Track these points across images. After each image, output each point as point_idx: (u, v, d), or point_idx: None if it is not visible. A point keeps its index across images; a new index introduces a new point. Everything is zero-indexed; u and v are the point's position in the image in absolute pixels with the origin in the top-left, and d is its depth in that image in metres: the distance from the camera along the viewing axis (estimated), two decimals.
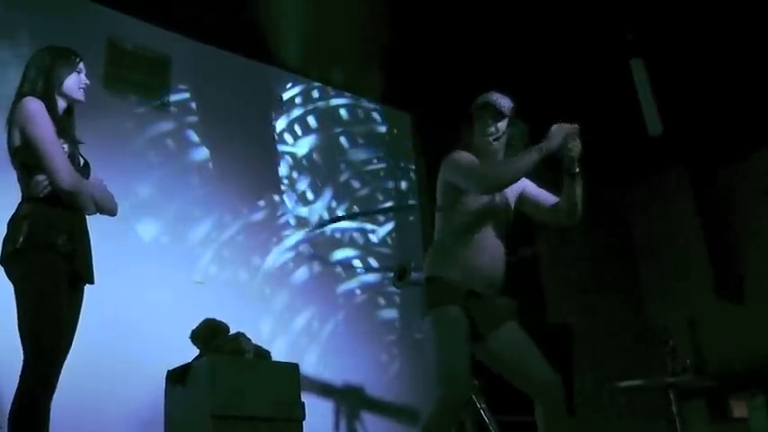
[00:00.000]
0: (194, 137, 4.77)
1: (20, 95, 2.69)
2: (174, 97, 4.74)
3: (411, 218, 5.68)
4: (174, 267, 4.32)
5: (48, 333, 2.46)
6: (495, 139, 3.03)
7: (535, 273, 6.34)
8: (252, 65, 5.19)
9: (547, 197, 3.12)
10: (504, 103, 3.07)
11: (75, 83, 2.81)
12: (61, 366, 2.51)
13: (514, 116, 3.10)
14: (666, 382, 4.30)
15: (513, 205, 3.06)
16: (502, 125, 3.05)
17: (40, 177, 2.58)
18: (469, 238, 2.90)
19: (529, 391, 2.81)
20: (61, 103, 2.77)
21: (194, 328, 3.83)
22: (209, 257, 4.54)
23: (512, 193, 3.07)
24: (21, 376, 2.41)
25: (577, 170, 2.97)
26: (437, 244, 3.01)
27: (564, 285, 6.53)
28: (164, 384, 3.74)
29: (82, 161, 2.78)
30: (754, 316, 6.24)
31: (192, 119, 4.80)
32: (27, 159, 2.60)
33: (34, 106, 2.60)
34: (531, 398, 2.81)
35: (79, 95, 2.83)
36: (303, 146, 5.34)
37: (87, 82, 2.87)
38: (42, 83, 2.71)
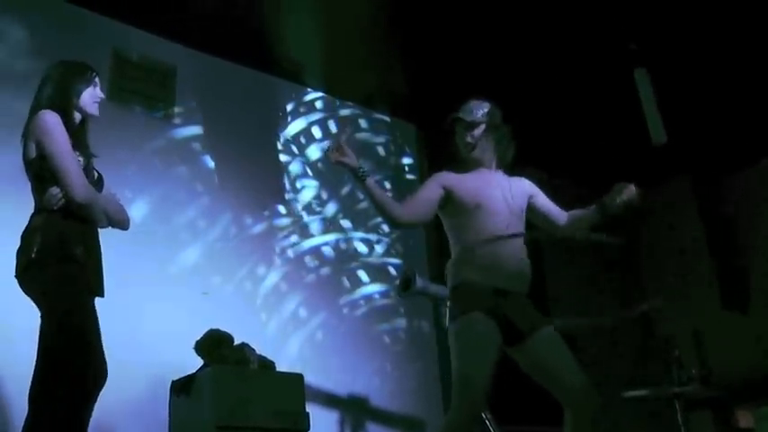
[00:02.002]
0: (199, 147, 4.78)
1: (36, 108, 2.70)
2: (178, 108, 4.76)
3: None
4: (178, 278, 4.32)
5: (76, 354, 2.42)
6: (472, 149, 3.07)
7: (538, 283, 6.32)
8: (256, 75, 5.20)
9: (556, 212, 3.15)
10: (477, 110, 3.09)
11: (90, 97, 2.83)
12: (97, 394, 2.46)
13: (494, 119, 3.10)
14: (672, 392, 4.30)
15: (521, 204, 3.07)
16: (477, 132, 3.08)
17: (55, 190, 2.57)
18: (486, 242, 2.90)
19: (560, 397, 2.80)
20: (76, 117, 2.79)
21: (198, 338, 3.83)
22: (214, 268, 4.54)
23: (519, 194, 3.07)
24: (40, 407, 2.34)
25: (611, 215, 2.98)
26: (456, 255, 3.01)
27: (568, 295, 6.51)
28: (168, 395, 3.73)
29: (96, 174, 2.80)
30: (759, 326, 6.22)
31: (197, 129, 4.81)
32: (42, 171, 2.61)
33: (51, 119, 2.61)
34: (562, 405, 2.80)
35: (94, 110, 2.85)
36: (307, 156, 5.35)
37: (102, 96, 2.89)
38: (59, 96, 2.73)
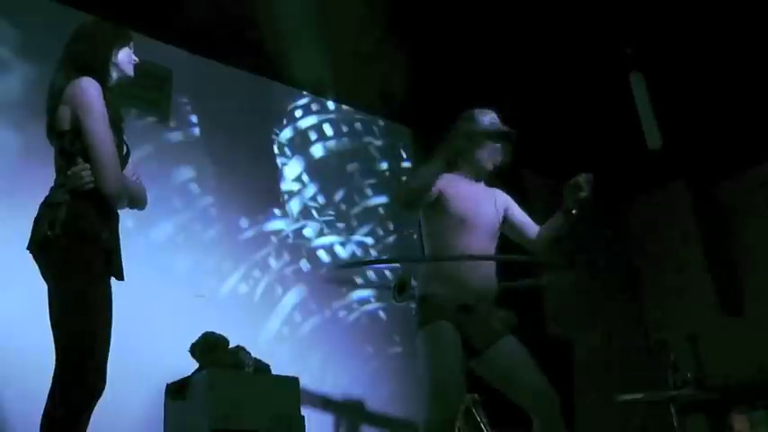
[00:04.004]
0: (194, 150, 4.78)
1: (73, 67, 2.53)
2: (174, 111, 4.75)
3: (412, 231, 5.68)
4: (174, 280, 4.32)
5: (90, 333, 2.30)
6: (470, 156, 3.09)
7: (534, 287, 6.32)
8: (252, 79, 5.21)
9: (529, 226, 3.16)
10: (480, 118, 3.11)
11: (128, 57, 2.70)
12: (101, 391, 2.33)
13: (493, 129, 3.10)
14: (667, 395, 4.30)
15: (499, 218, 3.07)
16: (478, 141, 3.08)
17: (86, 173, 2.40)
18: (455, 258, 2.91)
19: (524, 405, 2.81)
20: (112, 78, 2.64)
21: (194, 341, 3.82)
22: (210, 271, 4.54)
23: (498, 206, 3.08)
24: (57, 387, 2.25)
25: (574, 212, 2.96)
26: (426, 265, 3.04)
27: (564, 299, 6.51)
28: (163, 398, 3.72)
29: (126, 149, 2.65)
30: (754, 329, 6.23)
31: (193, 133, 4.81)
32: (72, 147, 2.45)
33: (93, 91, 2.44)
34: (528, 413, 2.80)
35: (131, 71, 2.71)
36: (303, 160, 5.35)
37: (137, 59, 2.75)
38: (98, 54, 2.59)
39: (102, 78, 2.54)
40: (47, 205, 2.43)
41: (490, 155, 3.10)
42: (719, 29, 4.87)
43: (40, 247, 2.39)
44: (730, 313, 6.51)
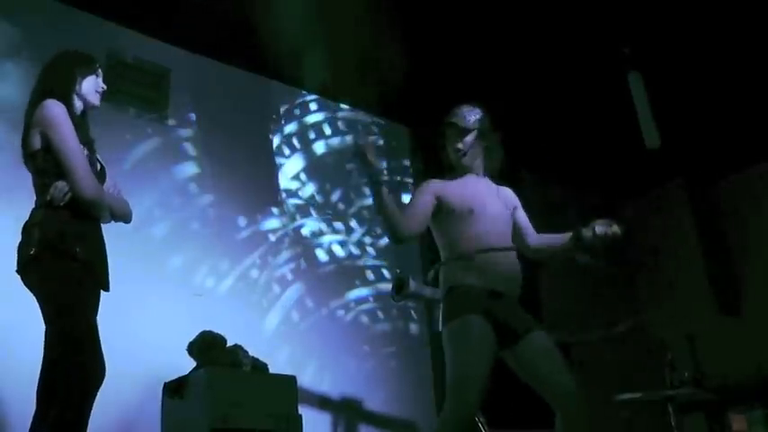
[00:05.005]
0: (193, 149, 4.78)
1: (39, 95, 2.63)
2: (173, 110, 4.75)
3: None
4: (172, 280, 4.32)
5: (73, 348, 2.38)
6: (463, 155, 3.06)
7: (532, 287, 6.33)
8: (251, 78, 5.20)
9: (529, 230, 3.16)
10: (470, 116, 3.08)
11: (92, 86, 2.79)
12: (96, 392, 2.42)
13: (485, 126, 3.09)
14: (665, 395, 4.29)
15: (509, 214, 3.08)
16: (469, 139, 3.06)
17: (61, 184, 2.50)
18: (477, 245, 2.90)
19: (550, 401, 2.81)
20: (77, 106, 2.74)
21: (191, 340, 3.82)
22: (207, 270, 4.54)
23: (505, 201, 3.08)
24: (43, 407, 2.32)
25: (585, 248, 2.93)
26: (448, 260, 2.99)
27: (562, 299, 6.51)
28: (160, 397, 3.72)
29: (99, 166, 2.73)
30: (752, 329, 6.23)
31: (191, 132, 4.81)
32: (45, 165, 2.55)
33: (58, 111, 2.55)
34: (552, 409, 2.80)
35: (95, 99, 2.80)
36: (301, 159, 5.35)
37: (104, 86, 2.85)
38: (61, 83, 2.68)
39: (67, 103, 2.63)
40: (26, 227, 2.54)
41: (497, 153, 3.11)
42: (717, 28, 4.88)
43: (23, 268, 2.51)
44: (728, 313, 6.52)
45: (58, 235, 2.47)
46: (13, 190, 3.34)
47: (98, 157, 2.75)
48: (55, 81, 2.68)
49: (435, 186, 3.02)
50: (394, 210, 2.80)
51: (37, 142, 2.56)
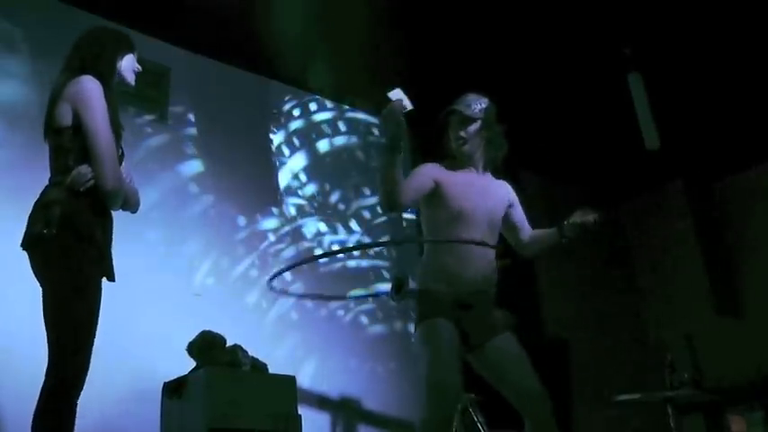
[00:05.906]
0: (192, 149, 4.78)
1: (73, 68, 2.52)
2: (172, 109, 4.75)
3: (408, 231, 5.69)
4: (172, 279, 4.31)
5: (80, 329, 2.31)
6: (463, 144, 3.00)
7: (533, 287, 6.33)
8: (250, 77, 5.21)
9: (524, 227, 3.15)
10: (475, 105, 3.02)
11: (131, 65, 2.70)
12: (88, 365, 2.35)
13: (489, 117, 3.02)
14: (665, 396, 4.29)
15: (500, 214, 3.04)
16: (472, 129, 2.99)
17: (85, 169, 2.39)
18: (453, 248, 2.89)
19: (516, 404, 2.79)
20: (112, 85, 2.63)
21: (191, 340, 3.82)
22: (207, 270, 4.53)
23: (500, 202, 3.05)
24: (47, 374, 2.27)
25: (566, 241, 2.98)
26: (424, 258, 3.01)
27: (562, 300, 6.52)
28: (160, 396, 3.72)
29: (120, 151, 2.63)
30: (752, 330, 6.23)
31: (191, 131, 4.81)
32: (71, 144, 2.44)
33: (94, 88, 2.44)
34: (519, 412, 2.79)
35: (131, 79, 2.72)
36: (301, 158, 5.35)
37: (140, 67, 2.76)
38: (103, 58, 2.58)
39: (104, 81, 2.53)
40: (42, 203, 2.42)
41: (500, 146, 3.08)
42: (717, 29, 4.88)
43: (35, 244, 2.39)
44: (727, 314, 6.52)
45: (80, 216, 2.38)
46: (14, 190, 3.34)
47: (121, 143, 2.64)
48: (95, 56, 2.57)
49: (436, 171, 2.96)
50: (399, 178, 2.76)
51: (66, 118, 2.44)
